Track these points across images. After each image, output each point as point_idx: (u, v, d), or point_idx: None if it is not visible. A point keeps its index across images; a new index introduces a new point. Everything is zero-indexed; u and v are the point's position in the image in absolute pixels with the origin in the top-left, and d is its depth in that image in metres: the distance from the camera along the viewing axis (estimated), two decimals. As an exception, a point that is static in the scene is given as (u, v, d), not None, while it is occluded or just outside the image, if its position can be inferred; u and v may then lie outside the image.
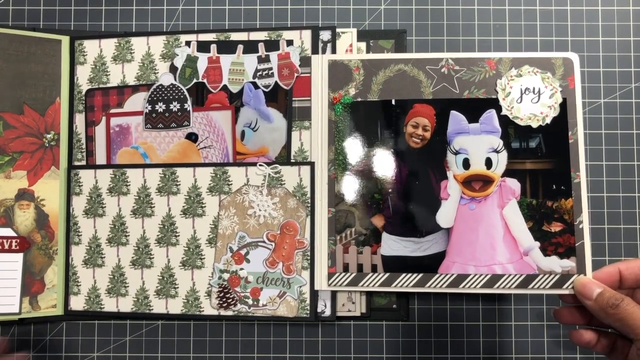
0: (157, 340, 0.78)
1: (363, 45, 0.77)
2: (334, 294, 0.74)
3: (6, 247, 0.75)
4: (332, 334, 0.77)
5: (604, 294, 0.63)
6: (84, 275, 0.76)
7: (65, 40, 0.78)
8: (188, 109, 0.76)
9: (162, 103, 0.76)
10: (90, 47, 0.78)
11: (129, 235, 0.76)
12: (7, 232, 0.75)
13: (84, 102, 0.78)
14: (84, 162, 0.78)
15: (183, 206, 0.75)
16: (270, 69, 0.75)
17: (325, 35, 0.76)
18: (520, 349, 0.77)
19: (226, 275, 0.74)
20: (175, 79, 0.76)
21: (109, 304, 0.76)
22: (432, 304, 0.77)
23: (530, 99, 0.72)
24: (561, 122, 0.72)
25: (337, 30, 0.77)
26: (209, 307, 0.74)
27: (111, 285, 0.76)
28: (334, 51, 0.76)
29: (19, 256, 0.75)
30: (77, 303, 0.76)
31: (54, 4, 0.81)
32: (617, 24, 0.79)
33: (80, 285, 0.76)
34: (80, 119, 0.78)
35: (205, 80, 0.76)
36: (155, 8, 0.81)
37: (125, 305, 0.75)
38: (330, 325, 0.77)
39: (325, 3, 0.80)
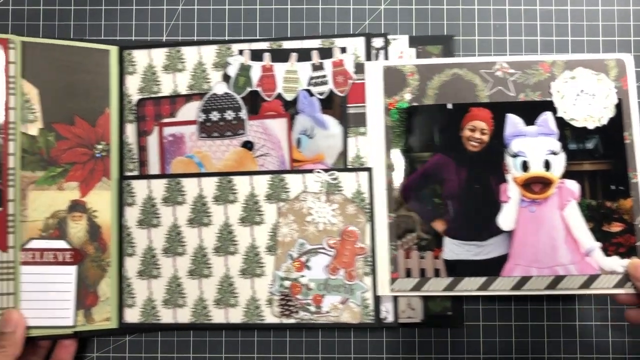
0: (156, 340, 0.72)
1: (412, 51, 0.72)
2: (395, 300, 0.68)
3: (60, 259, 0.68)
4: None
5: None
6: (139, 287, 0.70)
7: (113, 50, 0.72)
8: (243, 118, 0.70)
9: (216, 112, 0.70)
10: (140, 57, 0.72)
11: (185, 245, 0.70)
12: (61, 244, 0.69)
13: (135, 112, 0.72)
14: (136, 173, 0.71)
15: (241, 214, 0.69)
16: (325, 76, 0.70)
17: (377, 42, 0.71)
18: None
19: (287, 283, 0.68)
20: (228, 88, 0.70)
21: (166, 316, 0.70)
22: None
23: (585, 100, 0.68)
24: (617, 122, 0.68)
25: (388, 37, 0.72)
26: (270, 316, 0.68)
27: (168, 297, 0.70)
28: (386, 58, 0.71)
29: (73, 268, 0.69)
30: (132, 315, 0.70)
31: (53, 4, 0.75)
32: (617, 24, 0.76)
33: (134, 297, 0.70)
34: (131, 129, 0.72)
35: (259, 89, 0.70)
36: (155, 8, 0.76)
37: (184, 316, 0.69)
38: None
39: (325, 3, 0.76)
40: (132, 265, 0.70)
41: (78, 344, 0.70)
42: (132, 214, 0.71)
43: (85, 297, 0.69)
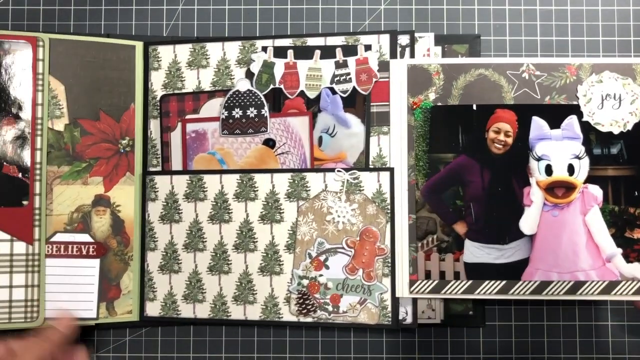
0: (156, 340, 0.73)
1: (438, 50, 0.72)
2: (415, 301, 0.68)
3: (84, 252, 0.70)
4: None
5: None
6: (160, 281, 0.71)
7: (139, 46, 0.72)
8: (265, 115, 0.70)
9: (238, 109, 0.71)
10: (165, 53, 0.73)
11: (206, 241, 0.70)
12: (85, 237, 0.70)
13: (158, 107, 0.72)
14: (159, 168, 0.72)
15: (261, 212, 0.70)
16: (348, 74, 0.70)
17: (403, 39, 0.70)
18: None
19: (305, 282, 0.68)
20: (251, 85, 0.70)
21: (186, 310, 0.71)
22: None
23: (611, 105, 0.67)
24: (643, 128, 0.67)
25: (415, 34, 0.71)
26: (288, 314, 0.69)
27: (188, 292, 0.70)
28: (412, 56, 0.70)
29: (96, 262, 0.70)
30: (153, 309, 0.71)
31: (53, 4, 0.76)
32: (617, 24, 0.74)
33: (156, 291, 0.71)
34: (155, 125, 0.72)
35: (282, 86, 0.70)
36: (155, 8, 0.76)
37: (203, 311, 0.70)
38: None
39: (325, 3, 0.75)
40: (154, 259, 0.71)
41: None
42: (155, 209, 0.72)
43: (108, 290, 0.71)
